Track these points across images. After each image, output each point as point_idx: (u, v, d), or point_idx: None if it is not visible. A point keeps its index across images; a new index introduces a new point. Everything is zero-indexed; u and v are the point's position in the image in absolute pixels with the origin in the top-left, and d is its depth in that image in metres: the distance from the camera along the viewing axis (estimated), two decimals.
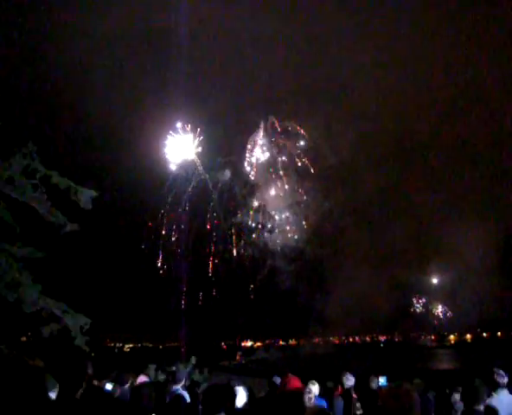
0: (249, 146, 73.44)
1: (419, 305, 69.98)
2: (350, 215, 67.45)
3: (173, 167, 70.22)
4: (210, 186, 71.82)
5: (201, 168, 71.47)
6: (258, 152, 73.31)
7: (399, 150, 64.72)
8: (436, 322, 69.20)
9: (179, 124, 69.08)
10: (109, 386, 6.71)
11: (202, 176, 71.54)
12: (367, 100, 63.48)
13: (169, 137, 68.32)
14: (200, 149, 69.37)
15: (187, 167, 71.09)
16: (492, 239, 58.12)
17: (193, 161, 71.35)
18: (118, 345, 68.44)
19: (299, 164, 71.53)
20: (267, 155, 73.18)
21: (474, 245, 57.03)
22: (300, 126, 71.56)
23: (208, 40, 67.20)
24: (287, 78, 71.05)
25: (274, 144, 72.99)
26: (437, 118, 64.95)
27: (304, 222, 70.44)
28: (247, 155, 73.37)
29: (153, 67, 68.80)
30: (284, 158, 72.65)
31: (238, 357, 55.55)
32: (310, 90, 69.11)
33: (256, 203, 71.68)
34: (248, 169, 73.46)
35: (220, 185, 71.32)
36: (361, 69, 65.91)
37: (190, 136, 68.84)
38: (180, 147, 69.91)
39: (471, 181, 61.87)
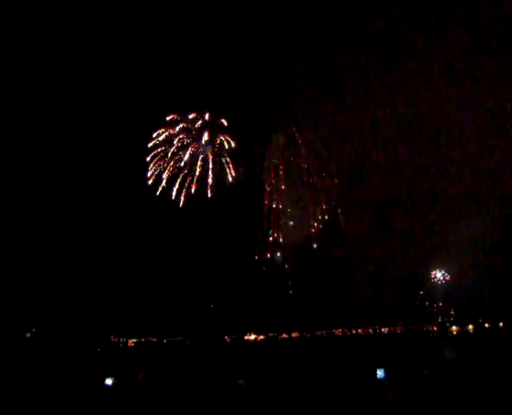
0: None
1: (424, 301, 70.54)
2: (356, 211, 68.04)
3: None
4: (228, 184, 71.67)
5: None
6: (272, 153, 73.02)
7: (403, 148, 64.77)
8: (439, 313, 69.64)
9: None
10: (109, 381, 6.92)
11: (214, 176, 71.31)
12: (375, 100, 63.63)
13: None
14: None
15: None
16: (493, 231, 58.51)
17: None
18: (122, 340, 68.81)
19: (310, 165, 71.42)
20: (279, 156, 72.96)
21: (476, 238, 57.40)
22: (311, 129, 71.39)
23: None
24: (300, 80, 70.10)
25: (286, 147, 72.78)
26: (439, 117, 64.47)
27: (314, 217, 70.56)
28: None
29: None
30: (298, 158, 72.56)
31: None
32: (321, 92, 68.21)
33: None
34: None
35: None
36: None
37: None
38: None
39: (472, 176, 61.87)
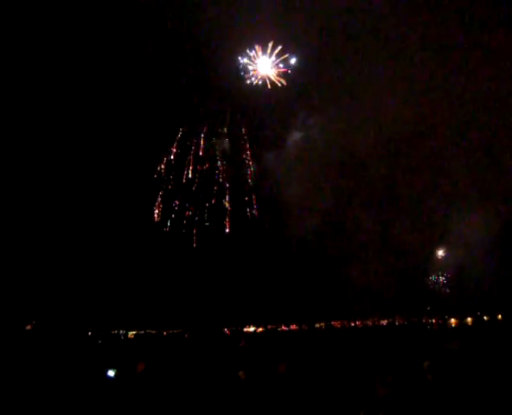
0: None
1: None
2: (357, 202, 68.19)
3: None
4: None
5: None
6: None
7: (404, 140, 64.64)
8: (438, 306, 70.04)
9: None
10: (111, 373, 6.93)
11: None
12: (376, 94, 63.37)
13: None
14: None
15: None
16: (494, 223, 58.67)
17: None
18: (122, 332, 69.05)
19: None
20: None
21: (476, 230, 57.59)
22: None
23: None
24: None
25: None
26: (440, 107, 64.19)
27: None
28: None
29: None
30: None
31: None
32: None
33: None
34: None
35: None
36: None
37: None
38: None
39: (473, 166, 61.90)
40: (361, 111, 65.36)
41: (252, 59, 67.52)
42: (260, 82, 69.20)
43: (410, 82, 61.96)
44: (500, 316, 64.13)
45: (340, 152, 66.68)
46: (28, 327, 61.91)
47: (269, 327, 72.03)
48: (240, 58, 67.98)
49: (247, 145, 71.68)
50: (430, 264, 70.52)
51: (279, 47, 69.02)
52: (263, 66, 68.41)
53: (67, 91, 62.04)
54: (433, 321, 69.37)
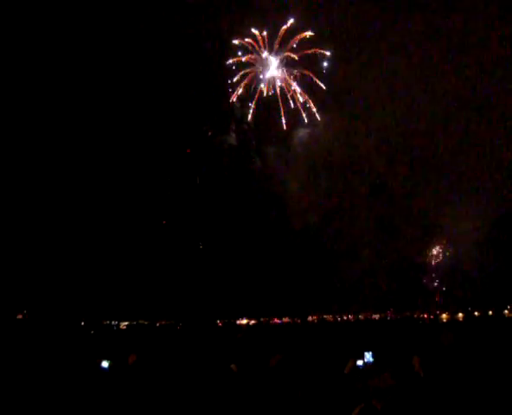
0: None
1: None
2: (354, 197, 68.35)
3: None
4: None
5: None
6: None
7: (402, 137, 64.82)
8: (430, 301, 70.57)
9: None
10: (105, 364, 6.89)
11: None
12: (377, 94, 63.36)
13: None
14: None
15: None
16: (486, 219, 59.28)
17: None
18: (114, 322, 68.95)
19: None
20: None
21: (468, 226, 58.15)
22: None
23: None
24: None
25: None
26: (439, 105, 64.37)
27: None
28: None
29: None
30: None
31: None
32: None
33: None
34: None
35: None
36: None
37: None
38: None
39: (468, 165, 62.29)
40: (363, 111, 65.42)
41: (249, 53, 62.66)
42: (267, 94, 63.72)
43: (409, 82, 62.10)
44: (491, 312, 64.86)
45: (341, 150, 66.77)
46: (19, 316, 61.62)
47: (262, 319, 72.24)
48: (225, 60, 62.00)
49: (253, 140, 71.11)
50: (423, 259, 70.98)
51: (308, 33, 56.78)
52: (269, 65, 60.63)
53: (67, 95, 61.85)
54: (425, 316, 69.94)
